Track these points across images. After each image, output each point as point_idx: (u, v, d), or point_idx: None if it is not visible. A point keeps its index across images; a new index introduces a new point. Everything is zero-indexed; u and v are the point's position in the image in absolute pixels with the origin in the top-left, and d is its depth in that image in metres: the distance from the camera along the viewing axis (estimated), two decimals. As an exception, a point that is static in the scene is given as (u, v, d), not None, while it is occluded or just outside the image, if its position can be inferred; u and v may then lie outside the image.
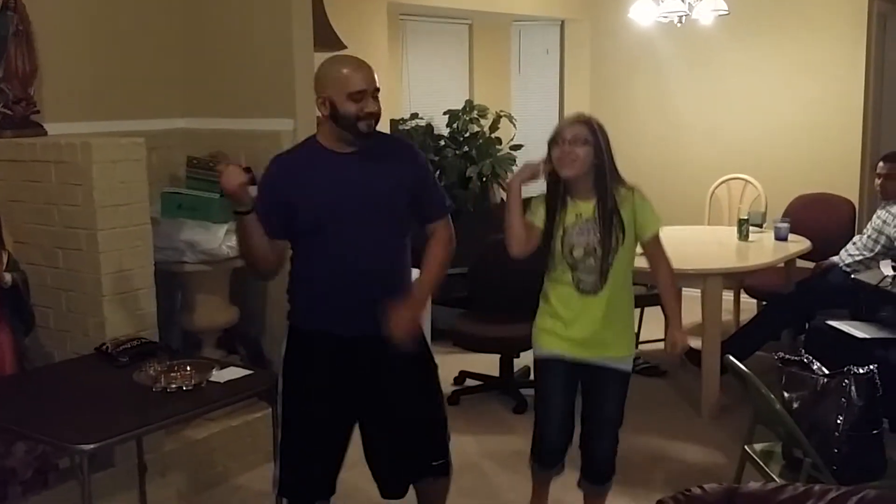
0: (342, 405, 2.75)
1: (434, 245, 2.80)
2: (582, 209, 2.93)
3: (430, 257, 2.80)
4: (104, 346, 3.21)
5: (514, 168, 6.34)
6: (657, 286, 3.16)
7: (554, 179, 2.95)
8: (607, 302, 2.94)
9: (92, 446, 2.44)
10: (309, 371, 2.74)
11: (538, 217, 2.98)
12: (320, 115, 2.63)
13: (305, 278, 2.73)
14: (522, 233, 2.95)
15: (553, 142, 2.92)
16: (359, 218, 2.63)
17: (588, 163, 2.89)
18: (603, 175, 2.91)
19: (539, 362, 3.09)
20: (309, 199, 2.63)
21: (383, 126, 5.35)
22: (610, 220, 2.90)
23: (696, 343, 4.83)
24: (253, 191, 2.62)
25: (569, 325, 2.98)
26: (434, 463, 2.86)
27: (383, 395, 2.76)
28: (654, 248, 3.05)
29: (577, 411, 3.10)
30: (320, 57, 4.24)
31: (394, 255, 2.74)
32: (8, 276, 3.32)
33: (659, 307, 5.32)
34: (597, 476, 3.11)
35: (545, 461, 3.15)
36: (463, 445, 3.97)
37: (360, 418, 2.81)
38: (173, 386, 2.80)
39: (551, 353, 3.02)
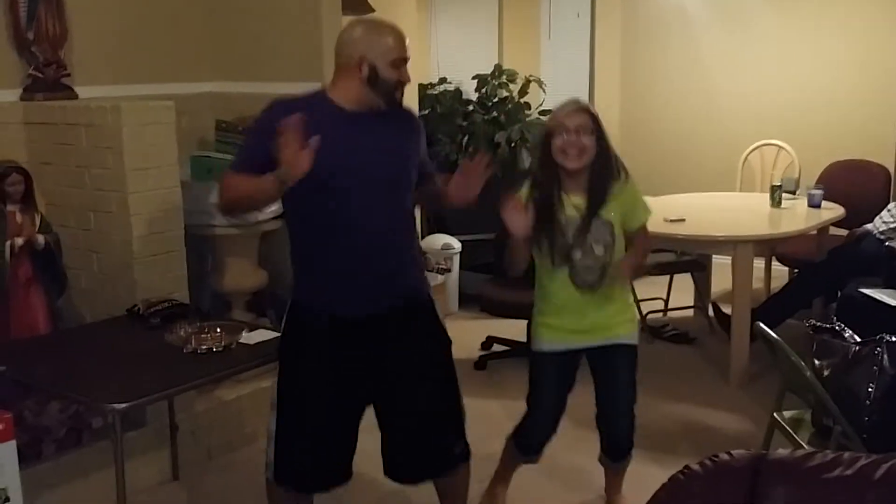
0: (351, 387, 2.60)
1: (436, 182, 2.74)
2: (576, 204, 2.83)
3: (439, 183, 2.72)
4: (136, 308, 3.25)
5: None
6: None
7: (547, 173, 2.84)
8: (606, 294, 2.89)
9: (124, 406, 2.48)
10: (314, 352, 2.58)
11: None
12: (347, 75, 2.48)
13: (316, 249, 2.54)
14: (527, 259, 2.88)
15: (553, 132, 2.80)
16: (376, 176, 2.49)
17: (593, 154, 2.79)
18: (601, 169, 2.82)
19: (538, 355, 3.01)
20: (321, 154, 2.35)
21: (412, 91, 5.34)
22: (600, 213, 2.82)
23: (727, 309, 4.81)
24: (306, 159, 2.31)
25: (569, 319, 2.92)
26: (455, 450, 2.75)
27: (396, 374, 2.62)
28: (638, 234, 2.97)
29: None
30: (348, 21, 4.26)
31: (409, 220, 2.64)
32: (41, 238, 3.37)
33: (688, 274, 5.33)
34: (616, 453, 3.10)
35: (525, 450, 3.12)
36: (490, 410, 3.99)
37: (374, 401, 2.66)
38: (204, 347, 2.83)
39: (552, 346, 2.96)
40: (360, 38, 2.48)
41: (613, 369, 3.00)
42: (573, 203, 2.84)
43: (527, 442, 3.11)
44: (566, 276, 2.88)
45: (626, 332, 2.98)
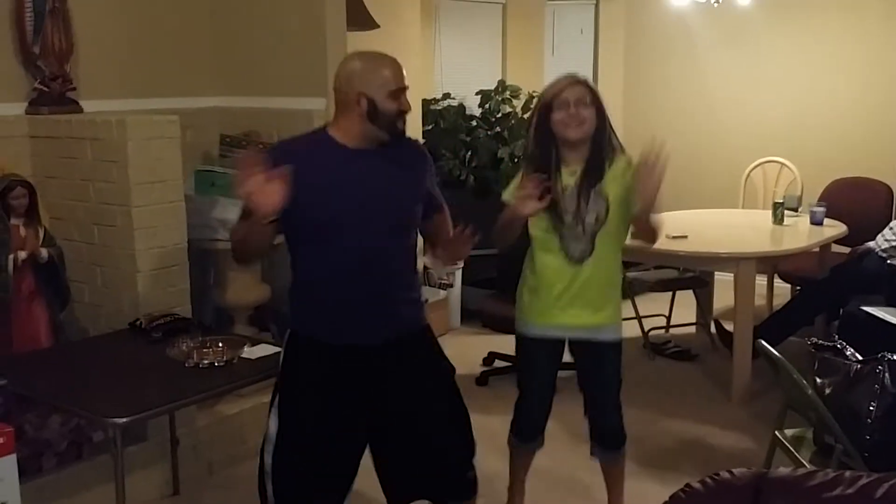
0: (353, 420, 2.56)
1: (446, 217, 2.74)
2: (573, 173, 2.88)
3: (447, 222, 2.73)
4: (138, 322, 3.25)
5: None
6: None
7: (544, 147, 2.88)
8: (595, 269, 2.91)
9: (125, 420, 2.48)
10: (315, 386, 2.54)
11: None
12: (347, 111, 2.46)
13: (316, 284, 2.52)
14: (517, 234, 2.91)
15: (551, 105, 2.83)
16: (381, 218, 2.48)
17: (593, 126, 2.83)
18: (600, 140, 2.86)
19: (524, 339, 3.06)
20: (325, 196, 2.42)
21: (415, 106, 5.35)
22: (598, 186, 2.86)
23: (729, 326, 4.81)
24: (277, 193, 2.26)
25: (555, 294, 2.94)
26: (458, 480, 2.69)
27: (395, 405, 2.59)
28: None
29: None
30: (353, 36, 4.29)
31: (410, 256, 2.64)
32: (44, 252, 3.38)
33: (690, 291, 5.33)
34: (609, 441, 3.12)
35: (525, 435, 3.16)
36: (491, 426, 3.97)
37: (372, 431, 2.62)
38: (205, 362, 2.83)
39: (536, 331, 3.00)
40: (357, 73, 2.46)
41: (599, 367, 3.04)
42: (570, 173, 2.88)
43: (525, 426, 3.15)
44: (555, 246, 2.91)
45: (610, 325, 2.99)
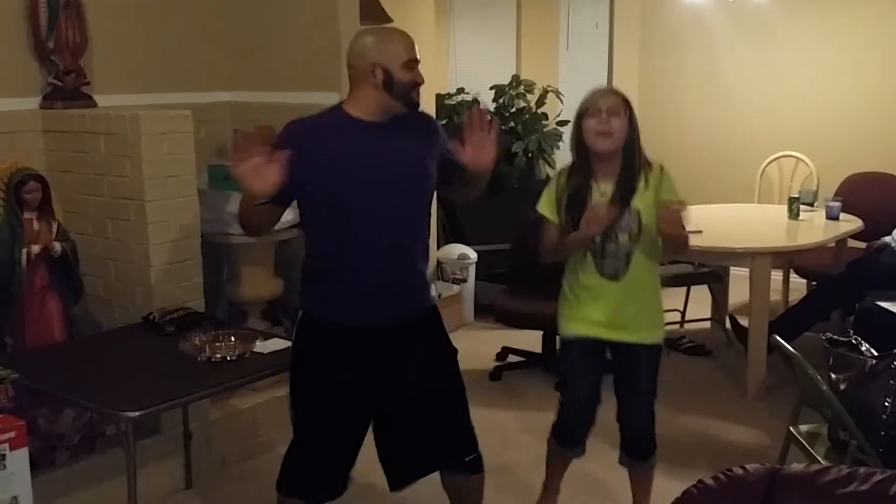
0: (363, 400, 2.60)
1: None
2: (605, 190, 2.83)
3: None
4: (151, 316, 3.26)
5: (559, 144, 6.29)
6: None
7: (580, 158, 2.85)
8: (631, 285, 2.88)
9: (138, 413, 2.49)
10: (329, 365, 2.57)
11: (550, 208, 2.89)
12: (362, 84, 2.48)
13: (330, 260, 2.53)
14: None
15: (585, 113, 2.80)
16: (396, 188, 2.50)
17: (623, 138, 2.79)
18: (632, 155, 2.82)
19: (565, 343, 3.02)
20: (342, 168, 2.45)
21: (430, 101, 5.35)
22: (631, 203, 2.81)
23: (744, 321, 4.78)
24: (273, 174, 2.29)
25: (593, 310, 2.91)
26: (466, 458, 2.73)
27: (403, 385, 2.61)
28: None
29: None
30: (356, 32, 4.28)
31: (423, 230, 2.66)
32: (58, 246, 3.39)
33: (705, 286, 5.30)
34: (637, 451, 3.06)
35: (567, 441, 3.10)
36: (504, 421, 3.97)
37: (377, 410, 2.65)
38: (218, 356, 2.84)
39: (577, 333, 2.96)
40: (371, 45, 2.50)
41: (634, 368, 2.99)
42: (601, 190, 2.84)
43: (565, 432, 3.09)
44: (589, 263, 2.88)
45: (652, 336, 2.97)
